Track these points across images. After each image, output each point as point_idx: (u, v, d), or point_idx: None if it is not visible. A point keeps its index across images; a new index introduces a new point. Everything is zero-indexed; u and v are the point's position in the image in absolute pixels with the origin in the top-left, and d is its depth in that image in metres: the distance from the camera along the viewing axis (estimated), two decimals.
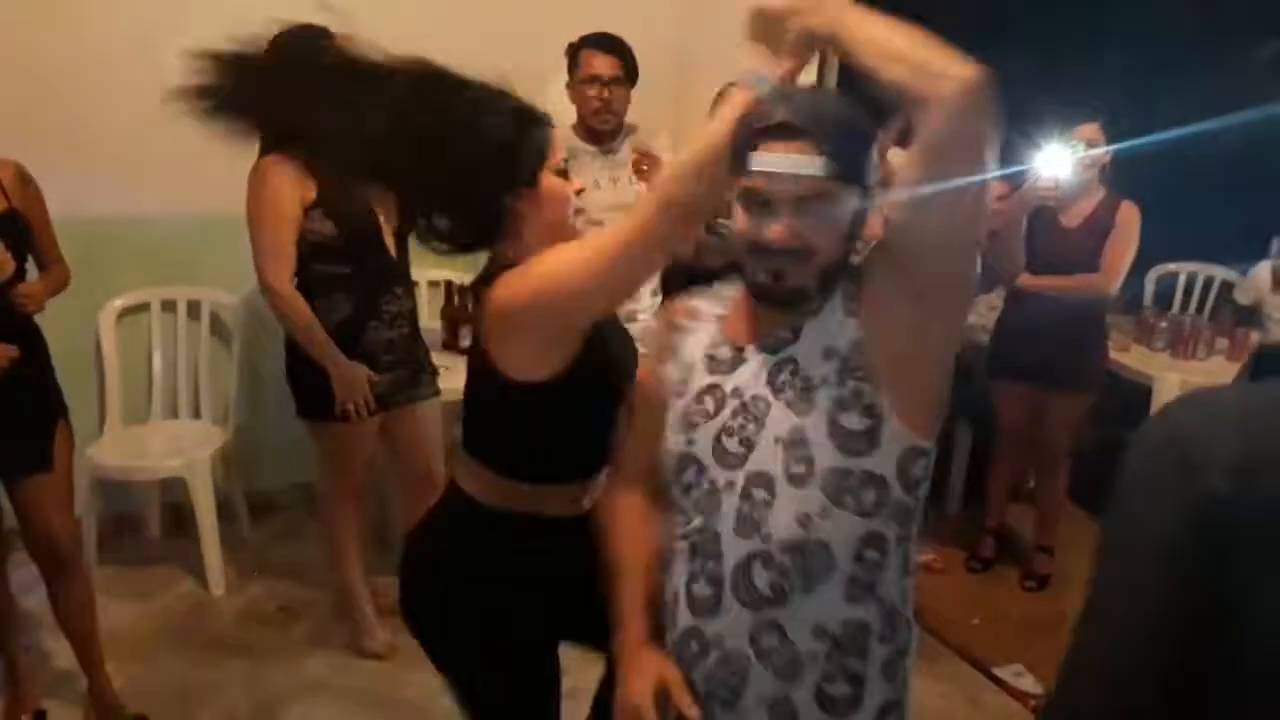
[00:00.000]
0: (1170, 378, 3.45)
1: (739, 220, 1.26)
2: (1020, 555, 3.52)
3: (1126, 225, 3.10)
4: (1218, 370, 3.60)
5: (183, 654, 2.78)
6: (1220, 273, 4.18)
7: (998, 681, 2.87)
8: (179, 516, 3.31)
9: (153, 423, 3.23)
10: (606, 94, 2.83)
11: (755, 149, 1.21)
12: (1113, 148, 3.09)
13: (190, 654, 2.78)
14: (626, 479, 1.50)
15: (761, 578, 1.25)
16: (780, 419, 1.25)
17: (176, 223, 3.12)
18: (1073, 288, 3.13)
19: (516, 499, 1.55)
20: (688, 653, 1.33)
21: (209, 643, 2.84)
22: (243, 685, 2.66)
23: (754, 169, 1.21)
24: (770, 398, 1.27)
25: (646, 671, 1.34)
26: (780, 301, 1.27)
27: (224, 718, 2.54)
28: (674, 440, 1.34)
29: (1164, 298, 4.22)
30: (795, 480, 1.23)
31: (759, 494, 1.25)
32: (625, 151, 2.92)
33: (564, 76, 2.93)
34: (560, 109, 3.01)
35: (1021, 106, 3.18)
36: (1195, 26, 3.93)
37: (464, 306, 3.31)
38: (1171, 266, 4.25)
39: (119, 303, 3.14)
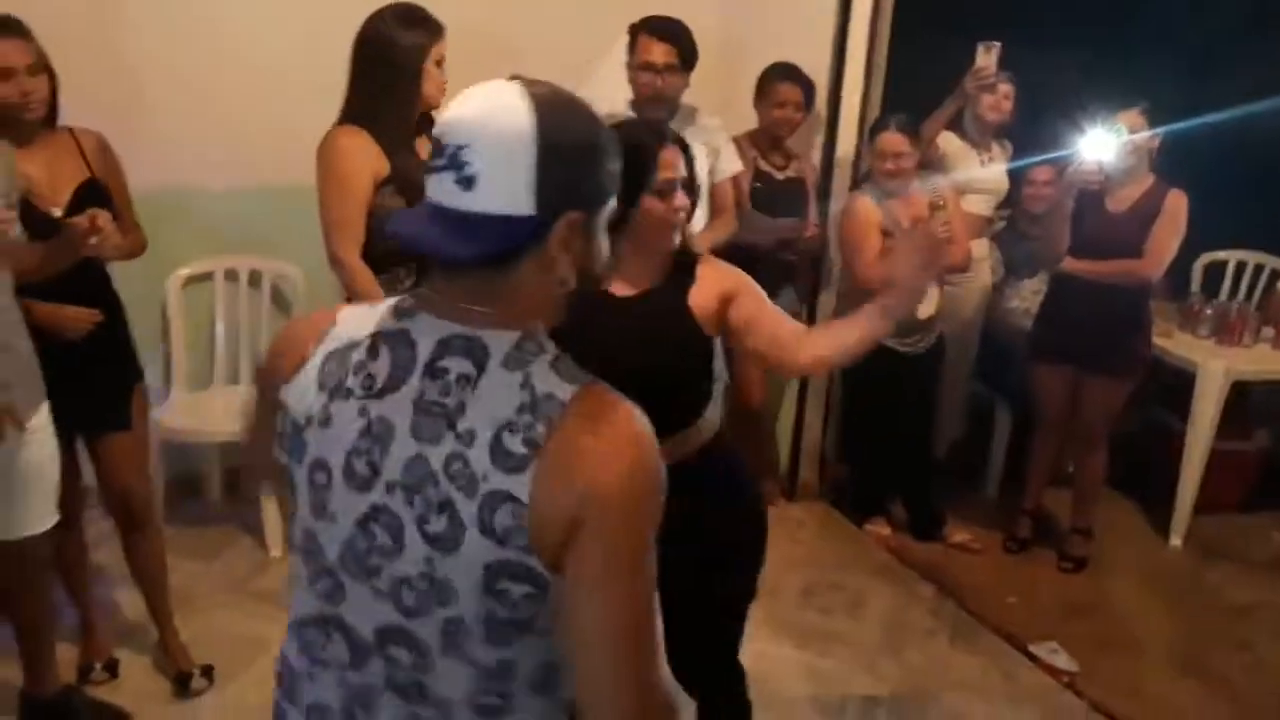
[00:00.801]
0: (1214, 365, 3.46)
1: None
2: (1057, 538, 3.55)
3: (1173, 212, 3.11)
4: (1263, 358, 3.60)
5: (243, 609, 2.90)
6: (1270, 261, 4.16)
7: (1033, 658, 2.91)
8: (239, 479, 3.44)
9: (215, 388, 3.35)
10: (659, 82, 2.84)
11: None
12: (1159, 131, 3.09)
13: (250, 609, 2.90)
14: None
15: None
16: None
17: (240, 195, 3.23)
18: (1117, 272, 3.15)
19: None
20: None
21: (268, 598, 2.96)
22: None
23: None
24: None
25: None
26: None
27: None
28: None
29: (1211, 285, 4.21)
30: None
31: None
32: (694, 129, 2.89)
33: (617, 56, 2.97)
34: (612, 88, 3.07)
35: (1067, 92, 3.22)
36: (1246, 9, 3.90)
37: None
38: (1220, 254, 4.23)
39: (184, 271, 3.25)
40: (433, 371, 0.98)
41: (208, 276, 3.33)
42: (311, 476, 1.03)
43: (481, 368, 0.97)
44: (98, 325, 2.34)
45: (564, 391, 0.96)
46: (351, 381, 1.01)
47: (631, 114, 2.92)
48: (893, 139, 3.13)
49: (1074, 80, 3.34)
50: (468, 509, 0.94)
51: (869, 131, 3.30)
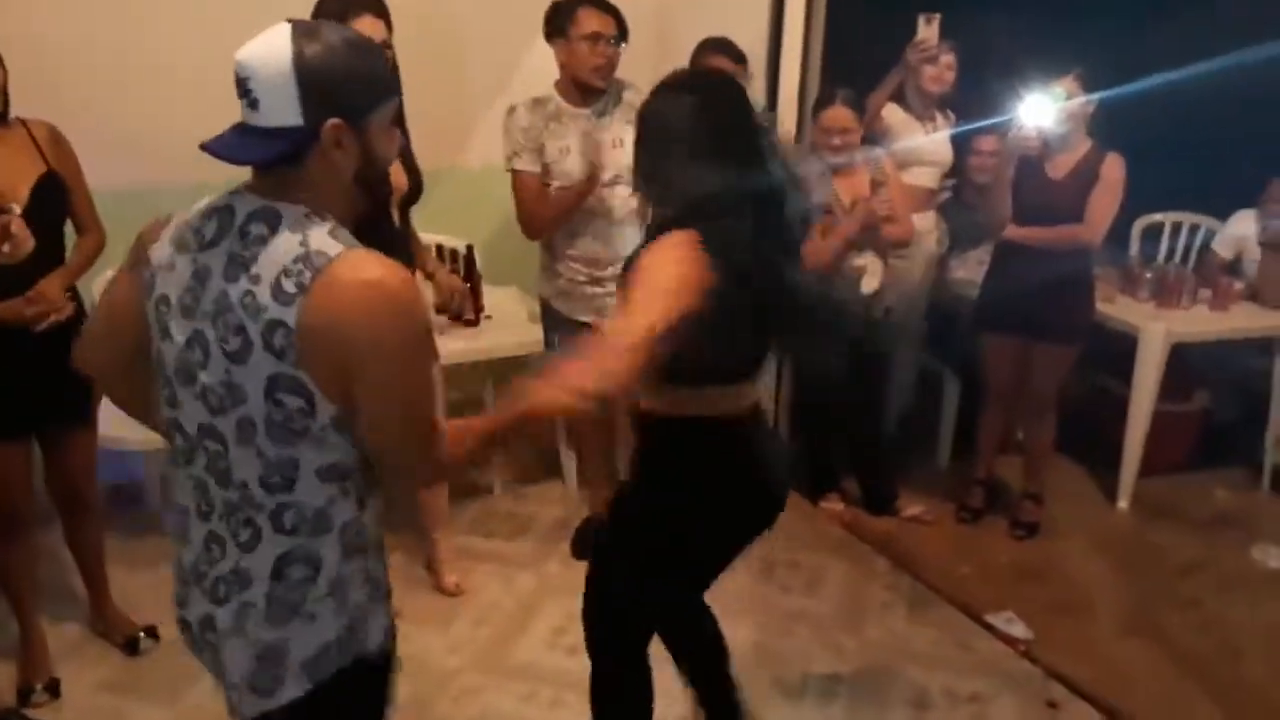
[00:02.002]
0: (1155, 328, 3.50)
1: None
2: (1009, 505, 3.59)
3: (1111, 176, 3.13)
4: (1202, 320, 3.66)
5: None
6: (1205, 222, 4.23)
7: (988, 627, 2.94)
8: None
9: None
10: (609, 51, 2.81)
11: None
12: (1094, 97, 3.10)
13: None
14: None
15: None
16: None
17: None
18: (1057, 239, 3.17)
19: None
20: None
21: None
22: None
23: None
24: None
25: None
26: None
27: None
28: None
29: (1149, 247, 4.26)
30: None
31: None
32: (617, 114, 2.88)
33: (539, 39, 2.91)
34: (537, 68, 3.01)
35: (1004, 58, 3.22)
36: None
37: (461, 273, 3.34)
38: (1156, 216, 4.28)
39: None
40: (242, 232, 1.29)
41: None
42: (157, 308, 1.34)
43: (274, 230, 1.26)
44: (65, 320, 2.31)
45: (333, 249, 1.25)
46: (190, 238, 1.33)
47: (558, 97, 2.87)
48: (838, 114, 3.10)
49: (1012, 47, 3.34)
50: (254, 331, 1.24)
51: (813, 106, 3.27)
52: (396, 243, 2.59)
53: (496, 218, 3.58)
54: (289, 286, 1.23)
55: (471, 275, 3.37)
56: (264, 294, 1.24)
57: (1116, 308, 3.63)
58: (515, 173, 2.88)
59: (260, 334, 1.24)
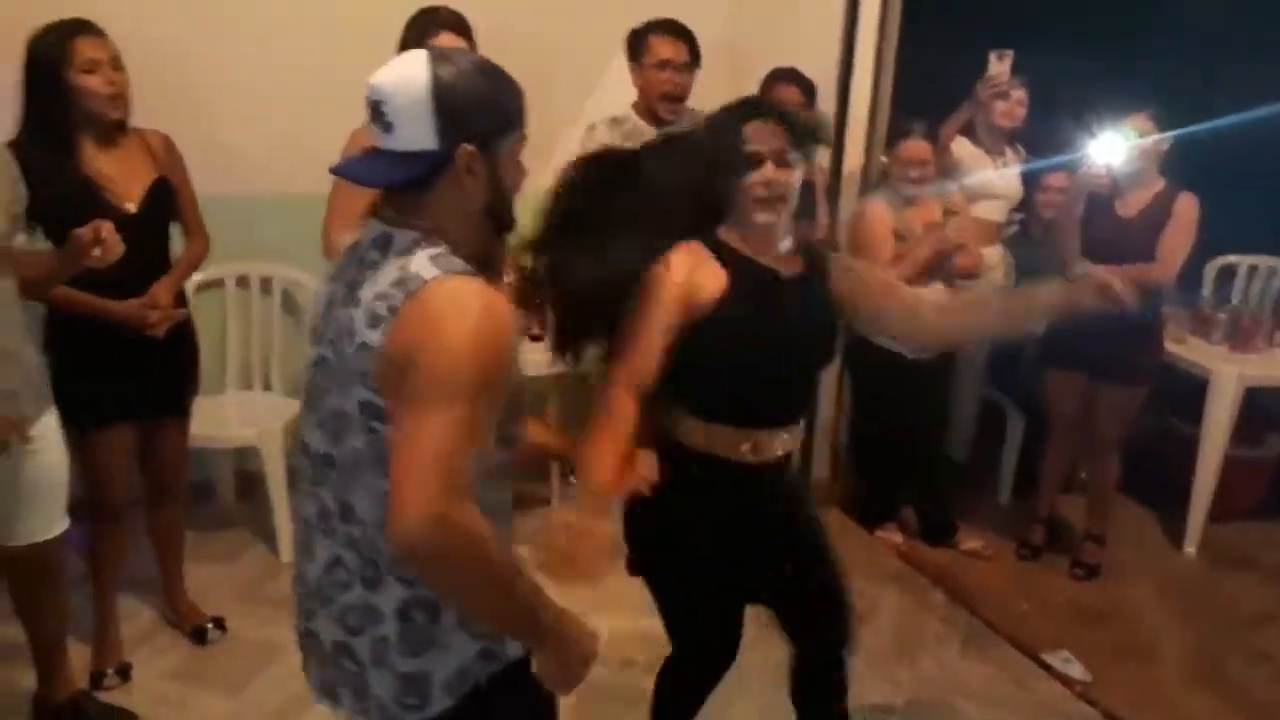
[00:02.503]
0: (1227, 370, 3.44)
1: None
2: (1070, 544, 3.53)
3: (1184, 216, 3.09)
4: (1277, 364, 3.57)
5: (256, 616, 2.90)
6: None
7: (1045, 666, 2.90)
8: (251, 484, 3.45)
9: (227, 394, 3.37)
10: (679, 78, 2.89)
11: None
12: (1167, 135, 3.08)
13: (263, 615, 2.90)
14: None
15: None
16: None
17: (253, 202, 3.24)
18: (1128, 277, 3.12)
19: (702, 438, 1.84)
20: None
21: (281, 603, 2.95)
22: None
23: None
24: None
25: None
26: None
27: (295, 674, 2.62)
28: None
29: (1223, 289, 4.18)
30: None
31: None
32: None
33: (618, 63, 3.00)
34: (617, 90, 3.09)
35: (1076, 95, 3.21)
36: (1258, 14, 3.89)
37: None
38: (1231, 258, 4.21)
39: (197, 278, 3.25)
40: (360, 259, 1.31)
41: (219, 283, 3.34)
42: (311, 335, 1.38)
43: (385, 255, 1.28)
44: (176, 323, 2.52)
45: (429, 273, 1.22)
46: (334, 265, 1.39)
47: (636, 117, 2.94)
48: (917, 147, 3.15)
49: (1085, 84, 3.34)
50: (350, 356, 1.25)
51: (889, 138, 3.30)
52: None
53: None
54: (381, 310, 1.21)
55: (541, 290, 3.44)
56: (360, 318, 1.23)
57: (1188, 349, 3.57)
58: None
59: (352, 358, 1.24)
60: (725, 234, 1.82)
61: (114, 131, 2.43)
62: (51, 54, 2.29)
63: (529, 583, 1.28)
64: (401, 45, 2.52)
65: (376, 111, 1.26)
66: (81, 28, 2.32)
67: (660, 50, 2.88)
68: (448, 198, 1.29)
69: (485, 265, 1.29)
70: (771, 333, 1.79)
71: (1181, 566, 3.57)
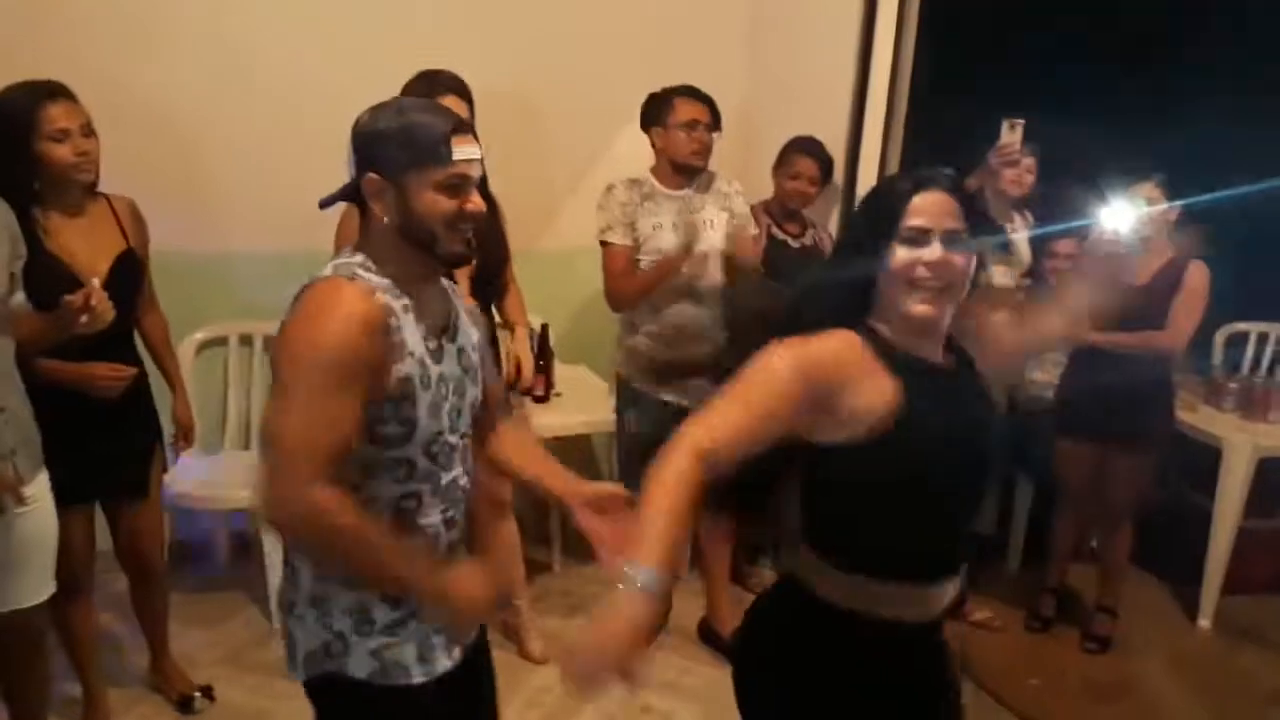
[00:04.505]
0: (1240, 439, 3.39)
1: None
2: (1081, 616, 3.45)
3: (1195, 284, 3.08)
4: None
5: (243, 683, 2.84)
6: None
7: None
8: (245, 546, 3.40)
9: (225, 453, 3.33)
10: (706, 137, 2.93)
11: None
12: (1176, 204, 3.07)
13: (250, 682, 2.84)
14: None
15: None
16: None
17: (257, 260, 3.23)
18: (1138, 345, 3.10)
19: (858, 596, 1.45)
20: None
21: (271, 671, 2.89)
22: (303, 715, 2.69)
23: None
24: None
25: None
26: None
27: None
28: None
29: (1234, 358, 4.14)
30: None
31: None
32: (710, 199, 3.01)
33: (632, 125, 3.03)
34: (630, 153, 3.11)
35: (1085, 162, 3.21)
36: (1267, 82, 3.91)
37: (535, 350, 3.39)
38: (1242, 326, 4.17)
39: (199, 335, 3.25)
40: None
41: (221, 341, 3.32)
42: None
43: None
44: (127, 387, 2.36)
45: (322, 275, 1.44)
46: None
47: (654, 180, 2.95)
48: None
49: (1093, 150, 3.33)
50: None
51: None
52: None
53: (573, 300, 3.65)
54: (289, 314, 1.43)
55: (545, 352, 3.42)
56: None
57: (1200, 417, 3.52)
58: (607, 245, 2.95)
59: None
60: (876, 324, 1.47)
61: (81, 199, 2.32)
62: (20, 119, 2.17)
63: (398, 547, 1.44)
64: None
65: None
66: (53, 93, 2.21)
67: (685, 111, 2.92)
68: (371, 221, 1.48)
69: (411, 280, 1.47)
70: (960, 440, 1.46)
71: (1195, 640, 3.48)
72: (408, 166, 1.42)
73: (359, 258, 1.46)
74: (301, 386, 1.35)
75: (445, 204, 1.44)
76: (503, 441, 1.71)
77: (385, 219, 1.44)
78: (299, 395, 1.35)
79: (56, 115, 2.20)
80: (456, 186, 1.44)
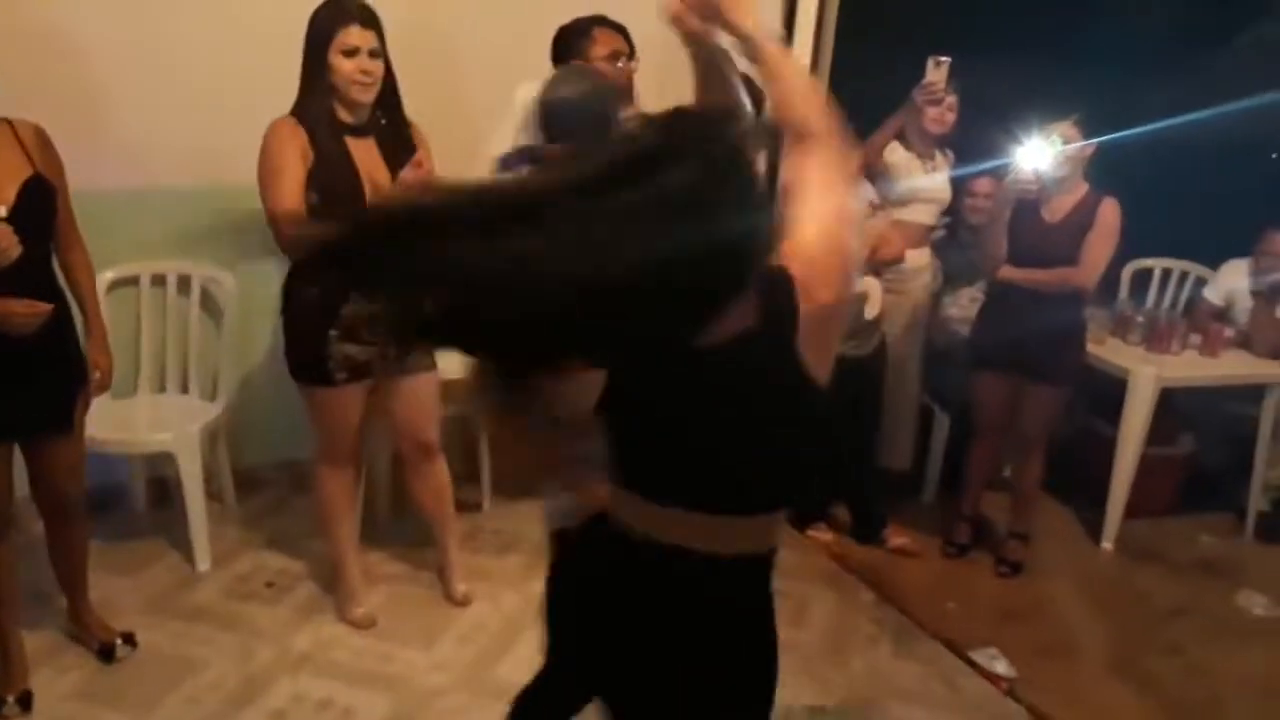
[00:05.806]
0: (1145, 371, 3.53)
1: None
2: (995, 542, 3.59)
3: (1107, 221, 3.16)
4: (1192, 365, 3.69)
5: (167, 629, 2.78)
6: (1195, 269, 4.28)
7: (972, 664, 2.94)
8: (164, 491, 3.31)
9: (140, 396, 3.23)
10: (630, 68, 2.85)
11: None
12: (1092, 142, 3.15)
13: (176, 629, 2.79)
14: None
15: None
16: None
17: (169, 195, 3.11)
18: (1051, 281, 3.19)
19: None
20: None
21: (195, 616, 2.85)
22: (230, 659, 2.68)
23: None
24: None
25: None
26: None
27: (211, 690, 2.56)
28: None
29: (1139, 291, 4.31)
30: None
31: None
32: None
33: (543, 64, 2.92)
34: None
35: (1005, 101, 3.27)
36: (1178, 23, 4.01)
37: None
38: (1147, 262, 4.33)
39: (109, 275, 3.11)
40: None
41: (133, 281, 3.20)
42: None
43: None
44: (46, 321, 2.23)
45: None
46: None
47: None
48: None
49: (1012, 90, 3.39)
50: None
51: None
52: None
53: None
54: None
55: None
56: None
57: (1107, 350, 3.66)
58: None
59: None
60: None
61: None
62: None
63: None
64: (309, 37, 2.48)
65: None
66: None
67: (607, 43, 2.82)
68: None
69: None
70: None
71: (1099, 562, 3.66)
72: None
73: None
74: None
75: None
76: None
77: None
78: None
79: None
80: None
